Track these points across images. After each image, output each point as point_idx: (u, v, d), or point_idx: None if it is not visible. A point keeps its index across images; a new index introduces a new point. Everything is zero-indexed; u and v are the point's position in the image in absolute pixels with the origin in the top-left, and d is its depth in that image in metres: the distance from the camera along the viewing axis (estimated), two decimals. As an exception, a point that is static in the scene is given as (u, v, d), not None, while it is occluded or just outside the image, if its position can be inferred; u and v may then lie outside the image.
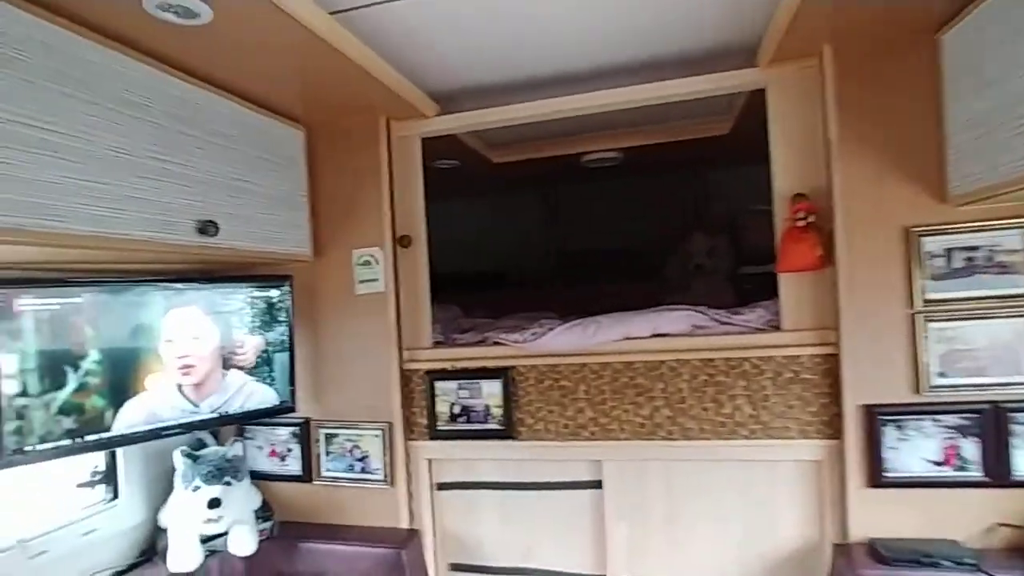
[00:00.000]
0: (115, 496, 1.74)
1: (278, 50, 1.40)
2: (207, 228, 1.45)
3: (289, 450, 1.98)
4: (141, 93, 1.32)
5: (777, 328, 1.66)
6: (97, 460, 1.72)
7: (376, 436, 1.89)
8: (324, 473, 1.94)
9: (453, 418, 1.88)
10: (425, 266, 1.93)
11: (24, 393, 1.35)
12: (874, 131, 1.51)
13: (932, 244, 1.48)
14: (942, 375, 1.48)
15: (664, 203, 3.13)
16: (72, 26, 1.17)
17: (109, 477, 1.74)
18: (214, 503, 1.62)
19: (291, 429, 1.97)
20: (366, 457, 1.91)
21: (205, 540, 1.69)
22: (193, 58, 1.41)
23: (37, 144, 1.10)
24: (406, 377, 1.92)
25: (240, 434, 1.99)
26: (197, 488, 1.64)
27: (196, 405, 1.67)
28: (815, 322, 1.61)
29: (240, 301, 1.75)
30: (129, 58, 1.29)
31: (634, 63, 1.77)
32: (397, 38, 1.52)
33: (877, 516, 1.52)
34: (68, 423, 1.42)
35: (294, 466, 1.97)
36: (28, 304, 1.35)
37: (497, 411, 1.83)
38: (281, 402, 1.84)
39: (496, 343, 1.86)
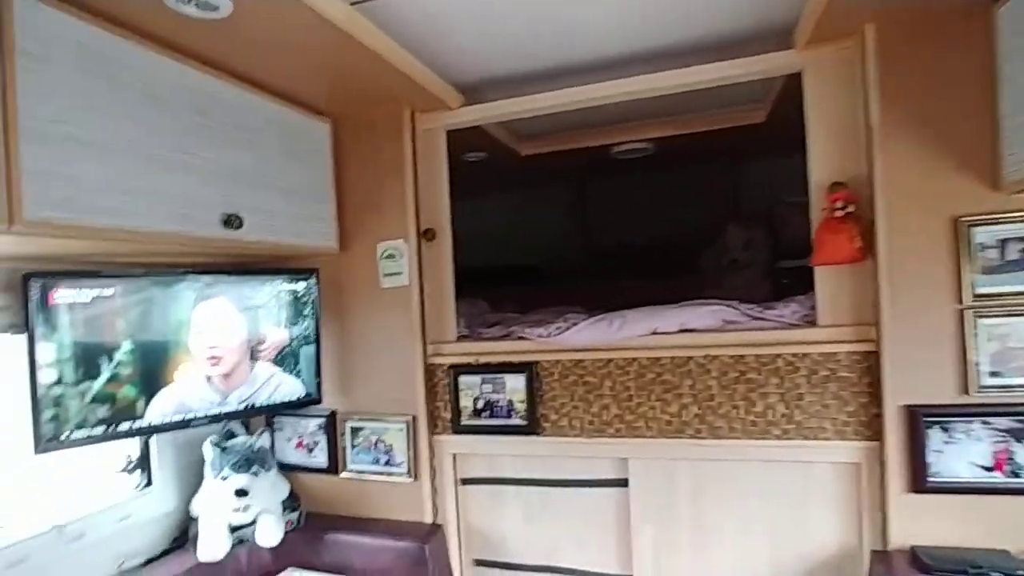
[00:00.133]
0: (149, 483, 1.79)
1: (299, 42, 1.40)
2: (231, 221, 1.46)
3: (316, 442, 2.00)
4: (167, 88, 1.34)
5: (813, 324, 1.58)
6: (132, 448, 1.77)
7: (400, 430, 1.89)
8: (350, 466, 1.95)
9: (477, 413, 1.86)
10: (450, 259, 1.92)
11: (60, 382, 1.39)
12: (920, 115, 1.42)
13: (983, 235, 1.38)
14: (994, 375, 1.39)
15: (697, 195, 3.04)
16: (100, 23, 1.19)
17: (143, 465, 1.79)
18: (241, 492, 1.65)
19: (318, 421, 1.99)
20: (391, 450, 1.91)
21: (234, 529, 1.72)
22: (217, 52, 1.42)
23: (66, 139, 1.12)
24: (430, 371, 1.91)
25: (269, 425, 2.02)
26: (225, 477, 1.67)
27: (225, 396, 1.70)
28: (853, 317, 1.53)
29: (267, 294, 1.78)
30: (155, 53, 1.31)
31: (665, 48, 1.71)
32: (420, 28, 1.51)
33: (920, 523, 1.44)
34: (102, 411, 1.46)
35: (321, 458, 1.99)
36: (64, 296, 1.40)
37: (521, 406, 1.81)
38: (307, 394, 1.86)
39: (520, 337, 1.84)
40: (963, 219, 1.39)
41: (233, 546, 1.70)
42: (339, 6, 1.28)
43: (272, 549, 1.78)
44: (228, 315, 1.69)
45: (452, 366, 1.88)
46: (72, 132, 1.13)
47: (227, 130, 1.50)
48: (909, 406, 1.44)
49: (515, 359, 1.83)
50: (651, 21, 1.55)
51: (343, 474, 1.96)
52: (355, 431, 1.95)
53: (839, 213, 1.47)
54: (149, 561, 1.70)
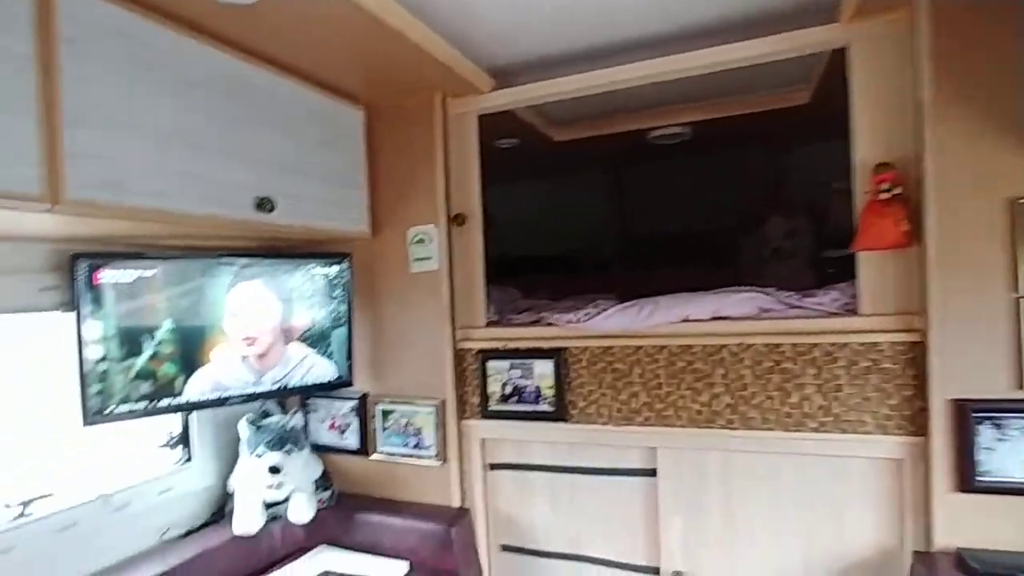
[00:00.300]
0: (189, 459, 1.86)
1: (330, 27, 1.41)
2: (264, 204, 1.49)
3: (348, 424, 2.04)
4: (205, 74, 1.38)
5: (854, 312, 1.51)
6: (173, 424, 1.84)
7: (429, 413, 1.91)
8: (380, 448, 1.98)
9: (505, 398, 1.86)
10: (480, 245, 1.92)
11: (106, 358, 1.46)
12: (975, 90, 1.32)
13: (1043, 218, 1.29)
14: (1053, 368, 1.29)
15: (737, 182, 2.93)
16: (141, 11, 1.23)
17: (184, 441, 1.86)
18: (275, 469, 1.70)
19: (350, 404, 2.03)
20: (420, 434, 1.93)
21: (268, 506, 1.78)
22: (251, 39, 1.45)
23: (107, 123, 1.17)
24: (459, 356, 1.92)
25: (303, 406, 2.07)
26: (260, 455, 1.72)
27: (259, 376, 1.75)
28: (898, 306, 1.45)
29: (301, 277, 1.81)
30: (193, 41, 1.35)
31: (702, 26, 1.65)
32: (451, 10, 1.50)
33: (967, 524, 1.36)
34: (145, 387, 1.53)
35: (352, 440, 2.02)
36: (108, 276, 1.46)
37: (549, 392, 1.80)
38: (339, 377, 1.90)
39: (549, 323, 1.82)
40: (1020, 201, 1.29)
41: (267, 522, 1.75)
42: (368, -10, 1.28)
43: (304, 526, 1.83)
44: (263, 298, 1.74)
45: (481, 351, 1.88)
46: (113, 116, 1.18)
47: (262, 116, 1.53)
48: (958, 400, 1.36)
49: (544, 345, 1.81)
50: (687, -2, 1.51)
51: (374, 456, 1.99)
52: (385, 414, 1.98)
53: (884, 195, 1.40)
54: (189, 532, 1.77)
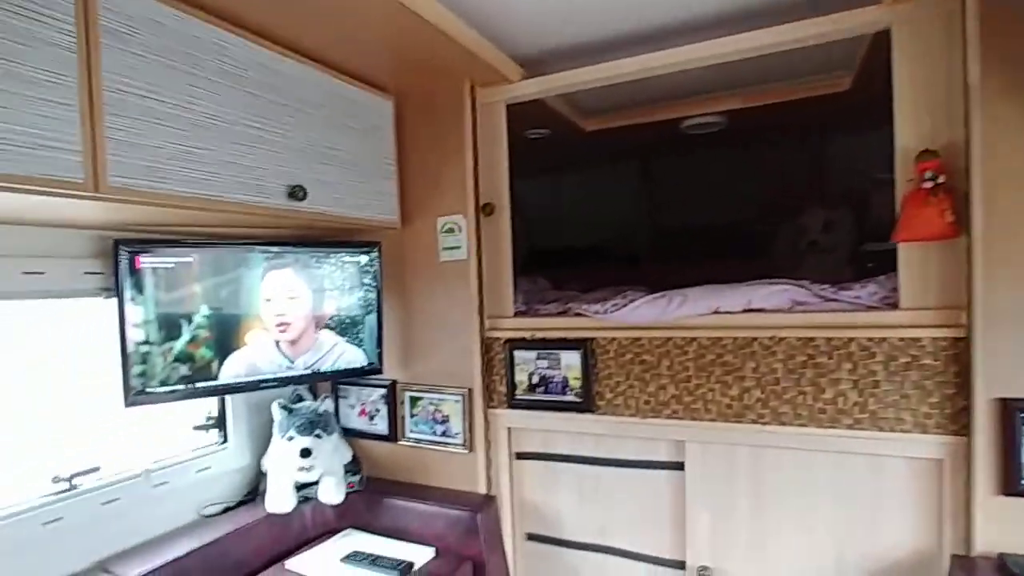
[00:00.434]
0: (225, 440, 1.92)
1: (357, 15, 1.42)
2: (296, 192, 1.52)
3: (378, 410, 2.07)
4: (238, 64, 1.41)
5: (894, 306, 1.45)
6: (210, 406, 1.90)
7: (457, 401, 1.92)
8: (408, 434, 2.01)
9: (532, 388, 1.86)
10: (508, 234, 1.92)
11: (147, 341, 1.51)
12: (1028, 73, 1.26)
13: (1101, 208, 1.22)
14: (1109, 368, 1.23)
15: (773, 172, 2.84)
16: (176, 3, 1.26)
17: (220, 423, 1.92)
18: (305, 452, 1.74)
19: (380, 390, 2.06)
20: (447, 421, 1.95)
21: (300, 487, 1.82)
22: (284, 29, 1.48)
23: (146, 112, 1.21)
24: (487, 345, 1.93)
25: (334, 392, 2.11)
26: (291, 438, 1.76)
27: (292, 361, 1.79)
28: (941, 300, 1.39)
29: (332, 265, 1.85)
30: (228, 32, 1.38)
31: (738, 10, 1.61)
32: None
33: (1011, 528, 1.30)
34: (183, 370, 1.58)
35: (381, 426, 2.06)
36: (148, 262, 1.51)
37: (576, 383, 1.79)
38: (369, 363, 1.93)
39: (577, 314, 1.81)
40: (1077, 190, 1.23)
41: (299, 502, 1.80)
42: (396, -23, 1.29)
43: (334, 508, 1.88)
44: (295, 285, 1.77)
45: (508, 340, 1.89)
46: (151, 105, 1.22)
47: (294, 105, 1.56)
48: (1004, 399, 1.30)
49: (571, 335, 1.81)
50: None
51: (402, 442, 2.02)
52: (414, 401, 2.00)
53: (928, 184, 1.34)
54: (226, 510, 1.83)
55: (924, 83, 1.39)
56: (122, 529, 1.58)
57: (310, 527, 1.88)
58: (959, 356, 1.37)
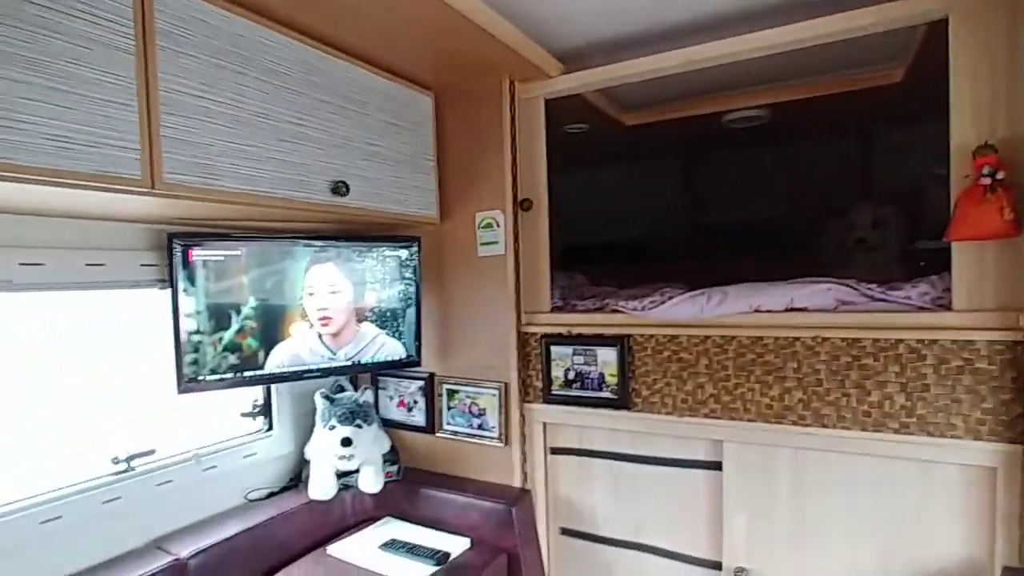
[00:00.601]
0: (270, 428, 1.99)
1: (398, 12, 1.44)
2: (339, 188, 1.56)
3: (416, 402, 2.11)
4: (283, 63, 1.45)
5: (946, 307, 1.40)
6: (256, 395, 1.97)
7: (493, 395, 1.94)
8: (445, 426, 2.04)
9: (567, 383, 1.86)
10: (546, 230, 1.92)
11: (198, 331, 1.58)
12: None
13: None
14: None
15: (819, 168, 2.76)
16: (225, 4, 1.31)
17: (266, 411, 1.99)
18: (346, 441, 1.79)
19: (418, 383, 2.10)
20: (484, 414, 1.97)
21: (341, 475, 1.88)
22: (327, 27, 1.51)
23: (197, 111, 1.26)
24: (523, 340, 1.94)
25: (374, 383, 2.16)
26: (332, 427, 1.82)
27: (334, 353, 1.84)
28: (998, 302, 1.33)
29: (373, 260, 1.88)
30: (274, 31, 1.42)
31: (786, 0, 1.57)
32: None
33: (1069, 541, 1.25)
34: (232, 359, 1.64)
35: (419, 417, 2.10)
36: (200, 255, 1.58)
37: (612, 380, 1.79)
38: (408, 356, 1.96)
39: (614, 310, 1.81)
40: None
41: (340, 490, 1.86)
42: (438, -25, 1.30)
43: (373, 496, 1.93)
44: (337, 279, 1.82)
45: (545, 336, 1.90)
46: (203, 104, 1.27)
47: (337, 103, 1.59)
48: (1064, 406, 1.24)
49: (608, 332, 1.80)
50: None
51: (439, 434, 2.06)
52: (451, 394, 2.03)
53: (986, 180, 1.28)
54: (271, 495, 1.90)
55: (982, 74, 1.33)
56: (174, 509, 1.66)
57: (349, 514, 1.94)
58: (1016, 361, 1.31)
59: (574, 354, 1.85)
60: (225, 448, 1.83)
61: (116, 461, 1.57)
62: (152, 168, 1.16)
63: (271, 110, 1.41)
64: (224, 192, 1.31)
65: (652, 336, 1.73)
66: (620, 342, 1.77)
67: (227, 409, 1.90)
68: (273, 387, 1.98)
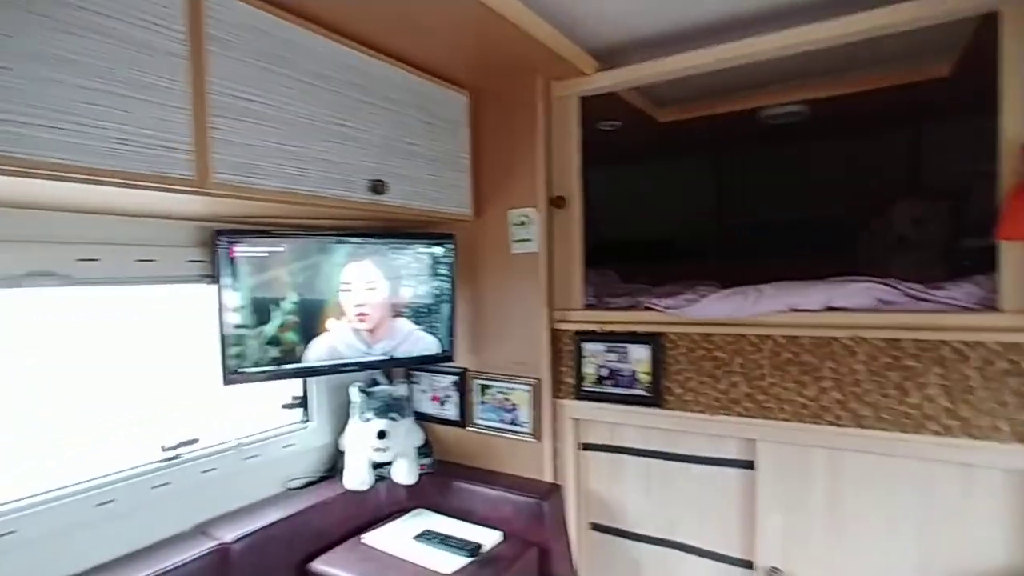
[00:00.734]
0: (308, 419, 2.05)
1: (434, 12, 1.46)
2: (378, 187, 1.60)
3: (448, 396, 2.15)
4: (327, 65, 1.48)
5: (993, 308, 1.37)
6: (294, 388, 2.03)
7: (525, 391, 1.96)
8: (477, 421, 2.07)
9: (599, 380, 1.87)
10: (579, 227, 1.93)
11: (242, 325, 1.63)
12: None
13: None
14: None
15: (860, 165, 2.70)
16: (272, 9, 1.35)
17: (304, 403, 2.05)
18: (382, 434, 1.83)
19: (451, 377, 2.13)
20: (515, 410, 1.99)
21: (376, 466, 1.92)
22: (366, 29, 1.53)
23: (245, 113, 1.30)
24: (556, 336, 1.95)
25: (408, 377, 2.20)
26: (368, 420, 1.86)
27: (370, 347, 1.88)
28: (1048, 303, 1.30)
29: (409, 256, 1.92)
30: (316, 34, 1.46)
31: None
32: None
33: (1121, 550, 1.21)
34: (273, 353, 1.70)
35: (452, 411, 2.13)
36: (243, 252, 1.63)
37: (644, 377, 1.79)
38: (442, 351, 2.00)
39: (647, 308, 1.81)
40: None
41: (375, 481, 1.90)
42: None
43: (407, 488, 1.97)
44: (374, 275, 1.86)
45: (577, 332, 1.91)
46: (251, 106, 1.31)
47: (376, 103, 1.62)
48: (1118, 412, 1.20)
49: (641, 329, 1.80)
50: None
51: (471, 428, 2.09)
52: (483, 389, 2.06)
53: (1036, 178, 1.25)
54: (308, 484, 1.95)
55: (1035, 69, 1.29)
56: (217, 496, 1.73)
57: (384, 505, 1.98)
58: (1067, 363, 1.27)
59: (607, 351, 1.85)
60: (265, 438, 1.89)
61: (165, 448, 1.64)
62: (203, 169, 1.21)
63: (315, 111, 1.45)
64: (270, 191, 1.35)
65: (685, 334, 1.73)
66: (653, 340, 1.77)
67: (267, 401, 1.96)
68: (311, 380, 2.03)
